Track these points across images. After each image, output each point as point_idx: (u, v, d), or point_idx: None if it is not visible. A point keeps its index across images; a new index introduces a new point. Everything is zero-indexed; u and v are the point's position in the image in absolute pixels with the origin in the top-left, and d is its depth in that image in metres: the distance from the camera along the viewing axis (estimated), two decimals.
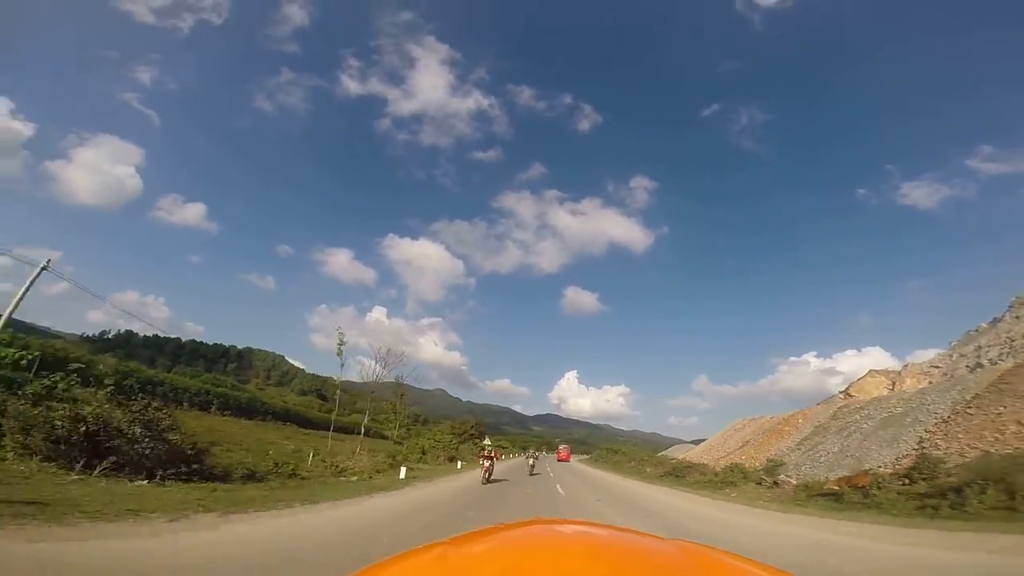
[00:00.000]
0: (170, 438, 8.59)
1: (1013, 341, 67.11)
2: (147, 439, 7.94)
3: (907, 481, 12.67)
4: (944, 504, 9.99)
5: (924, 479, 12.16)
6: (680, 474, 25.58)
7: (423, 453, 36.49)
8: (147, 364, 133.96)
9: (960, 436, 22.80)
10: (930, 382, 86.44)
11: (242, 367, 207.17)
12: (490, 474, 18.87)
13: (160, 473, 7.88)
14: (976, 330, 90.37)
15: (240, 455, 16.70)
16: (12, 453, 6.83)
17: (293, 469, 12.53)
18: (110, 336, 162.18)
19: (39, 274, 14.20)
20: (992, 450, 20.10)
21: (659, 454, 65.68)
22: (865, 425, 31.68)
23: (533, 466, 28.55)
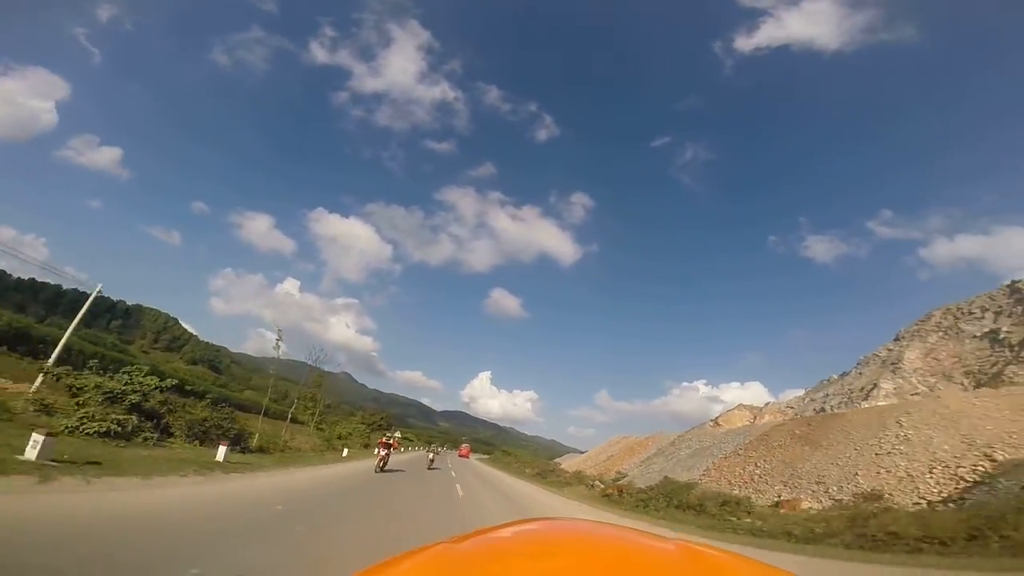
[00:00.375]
0: (236, 427, 15.68)
1: (851, 393, 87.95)
2: (232, 429, 15.07)
3: (644, 492, 22.67)
4: (642, 506, 19.73)
5: (653, 492, 22.01)
6: (544, 475, 35.31)
7: (339, 438, 43.15)
8: (15, 310, 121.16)
9: (724, 470, 34.38)
10: (784, 420, 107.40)
11: (128, 325, 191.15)
12: (385, 463, 19.32)
13: (235, 448, 14.98)
14: (828, 380, 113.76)
15: None
16: (183, 441, 13.74)
17: (282, 446, 19.85)
18: None
19: (93, 298, 19.74)
20: (730, 482, 31.21)
21: (554, 460, 77.35)
22: (682, 453, 43.86)
23: (432, 460, 28.98)
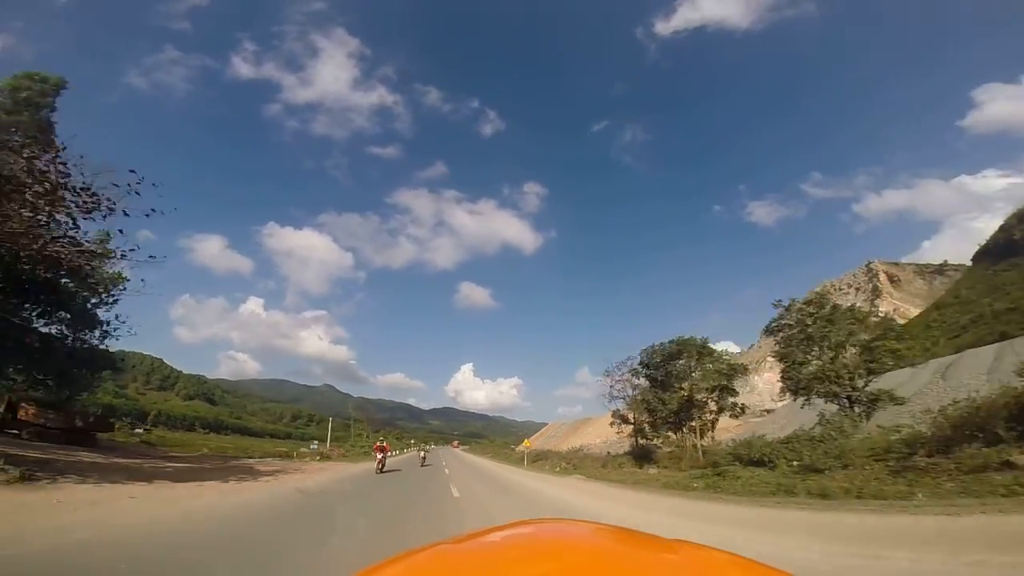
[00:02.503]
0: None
1: (759, 363, 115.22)
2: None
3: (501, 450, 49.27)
4: (497, 456, 45.90)
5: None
6: (484, 452, 61.59)
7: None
8: None
9: (552, 443, 60.42)
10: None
11: (118, 369, 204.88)
12: (383, 465, 20.62)
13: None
14: (740, 352, 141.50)
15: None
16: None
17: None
18: None
19: None
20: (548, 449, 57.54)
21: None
22: (546, 437, 72.40)
23: (424, 458, 31.15)
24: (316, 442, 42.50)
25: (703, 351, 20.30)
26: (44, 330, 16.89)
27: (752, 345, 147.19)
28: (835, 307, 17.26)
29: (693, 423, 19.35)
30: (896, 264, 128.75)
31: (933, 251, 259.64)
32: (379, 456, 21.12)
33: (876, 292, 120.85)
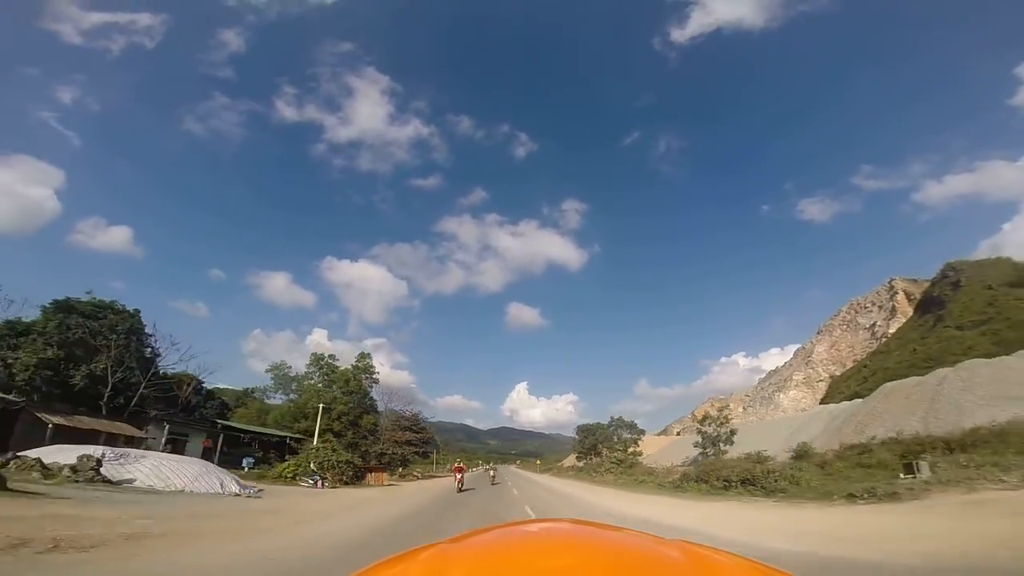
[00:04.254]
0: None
1: (780, 382, 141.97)
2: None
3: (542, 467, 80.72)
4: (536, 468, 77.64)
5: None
6: (527, 468, 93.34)
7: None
8: None
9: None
10: (744, 408, 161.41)
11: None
12: (462, 484, 23.61)
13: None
14: (775, 369, 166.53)
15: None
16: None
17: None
18: None
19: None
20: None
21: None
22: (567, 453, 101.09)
23: (494, 477, 37.52)
24: (448, 466, 79.68)
25: (605, 428, 50.96)
26: None
27: (785, 363, 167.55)
28: (619, 420, 48.01)
29: (603, 454, 50.37)
30: (915, 281, 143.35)
31: (1014, 232, 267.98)
32: (458, 476, 24.37)
33: (893, 312, 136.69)
